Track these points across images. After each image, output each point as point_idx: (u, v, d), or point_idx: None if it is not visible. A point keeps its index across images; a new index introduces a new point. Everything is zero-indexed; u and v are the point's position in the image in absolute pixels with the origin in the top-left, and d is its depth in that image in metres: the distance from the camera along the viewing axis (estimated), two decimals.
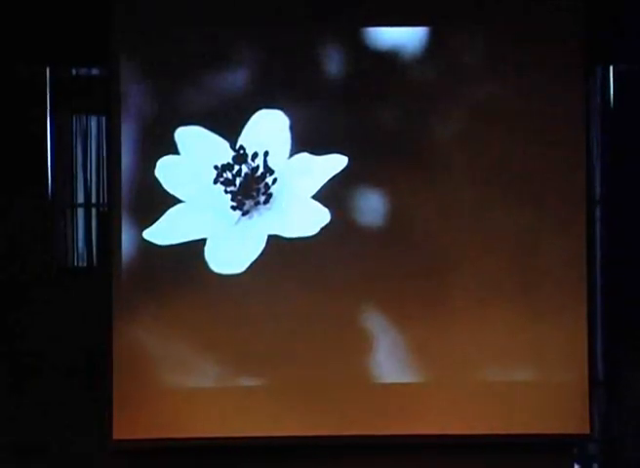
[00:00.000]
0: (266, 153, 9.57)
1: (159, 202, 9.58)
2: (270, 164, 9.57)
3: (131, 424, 9.61)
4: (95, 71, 10.21)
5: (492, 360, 9.72)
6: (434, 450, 9.68)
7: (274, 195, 9.60)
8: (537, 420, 9.67)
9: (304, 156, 9.62)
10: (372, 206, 9.69)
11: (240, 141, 9.58)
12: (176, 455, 9.68)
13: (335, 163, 9.59)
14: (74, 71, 10.23)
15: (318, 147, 9.61)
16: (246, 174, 9.56)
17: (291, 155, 9.63)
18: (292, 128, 9.62)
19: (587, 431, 9.81)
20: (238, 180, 9.55)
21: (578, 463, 10.54)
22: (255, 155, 9.57)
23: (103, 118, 10.04)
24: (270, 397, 9.68)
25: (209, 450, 9.67)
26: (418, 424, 9.65)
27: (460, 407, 9.69)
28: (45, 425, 9.79)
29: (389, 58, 9.67)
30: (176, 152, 9.59)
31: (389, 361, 9.71)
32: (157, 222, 9.58)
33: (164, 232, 9.58)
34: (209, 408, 9.64)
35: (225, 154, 9.58)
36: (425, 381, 9.72)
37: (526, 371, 9.71)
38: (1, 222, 9.92)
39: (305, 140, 9.62)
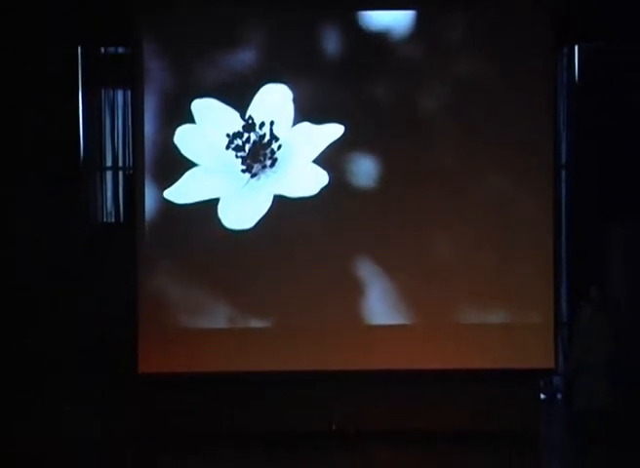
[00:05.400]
0: (272, 122, 9.38)
1: (178, 166, 9.42)
2: (276, 132, 9.39)
3: (154, 360, 9.50)
4: (121, 50, 10.16)
5: (469, 304, 9.59)
6: (418, 383, 9.59)
7: (279, 160, 9.40)
8: (508, 357, 9.54)
9: (306, 125, 9.44)
10: (365, 169, 9.55)
11: (249, 112, 9.39)
12: (192, 387, 9.56)
13: (333, 131, 9.43)
14: (103, 50, 10.21)
15: (318, 117, 9.44)
16: (254, 140, 9.38)
17: (294, 124, 9.44)
18: (295, 100, 9.44)
19: (552, 366, 9.74)
20: (247, 146, 9.37)
21: (544, 394, 10.55)
22: (262, 124, 9.38)
23: (129, 92, 9.96)
24: (274, 336, 9.57)
25: (221, 383, 9.58)
26: (404, 360, 9.51)
27: (440, 345, 9.56)
28: (80, 361, 9.61)
29: (381, 38, 9.47)
30: (192, 121, 9.42)
31: (380, 305, 9.59)
32: (176, 184, 9.41)
33: (182, 192, 9.44)
34: (221, 346, 9.52)
35: (236, 123, 9.39)
36: (411, 323, 9.57)
37: (499, 314, 9.58)
38: (39, 184, 9.67)
39: (307, 111, 9.44)
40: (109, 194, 10.42)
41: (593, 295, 9.73)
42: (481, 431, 9.36)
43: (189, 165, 9.41)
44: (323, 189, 9.39)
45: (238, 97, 9.40)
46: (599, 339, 9.62)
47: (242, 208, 9.43)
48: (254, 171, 9.36)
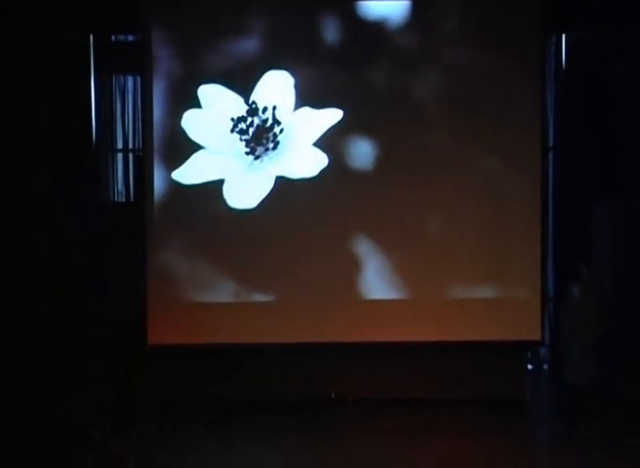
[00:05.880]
0: (275, 107, 9.39)
1: (185, 148, 9.43)
2: (278, 116, 9.41)
3: (162, 332, 9.54)
4: (131, 38, 10.17)
5: (460, 280, 9.63)
6: (412, 354, 9.65)
7: (281, 143, 9.42)
8: (497, 329, 9.61)
9: (306, 110, 9.46)
10: (363, 152, 9.56)
11: (252, 97, 9.41)
12: (199, 357, 9.61)
13: (332, 116, 9.45)
14: (113, 38, 10.23)
15: (318, 102, 9.46)
16: (257, 124, 9.40)
17: (295, 109, 9.45)
18: (296, 86, 9.45)
19: (539, 338, 9.81)
20: (251, 130, 9.40)
21: (530, 364, 10.61)
22: (265, 109, 9.40)
23: (138, 78, 9.97)
24: (276, 310, 9.60)
25: (226, 354, 9.63)
26: (399, 333, 9.57)
27: (433, 318, 9.62)
28: (92, 332, 9.73)
29: (378, 27, 9.48)
30: (198, 106, 9.43)
31: (376, 281, 9.64)
32: (183, 165, 9.44)
33: (189, 173, 9.47)
34: (226, 319, 9.56)
35: (240, 108, 9.41)
36: (406, 298, 9.62)
37: (488, 289, 9.63)
38: (54, 166, 9.72)
39: (307, 97, 9.46)
40: (120, 175, 10.39)
41: (583, 275, 9.81)
42: (472, 398, 9.47)
43: (196, 147, 9.42)
44: (323, 171, 9.43)
45: (242, 82, 9.39)
46: (588, 319, 9.72)
47: (246, 188, 9.45)
48: (257, 153, 9.39)
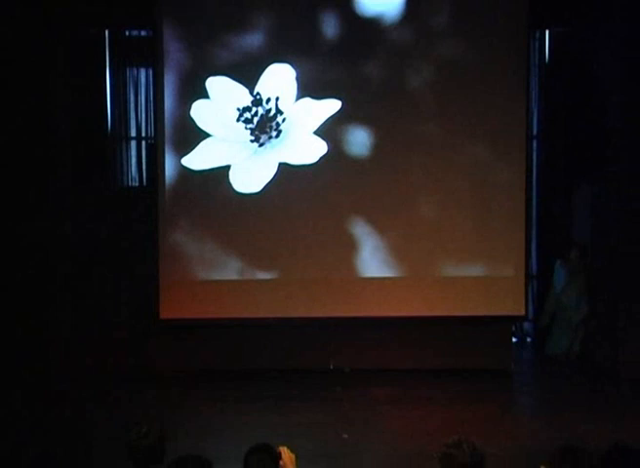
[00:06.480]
0: (277, 98, 9.50)
1: (194, 136, 9.52)
2: (280, 106, 9.51)
3: (173, 307, 9.68)
4: (143, 33, 10.21)
5: (450, 259, 9.75)
6: (405, 328, 9.82)
7: (283, 131, 9.52)
8: (484, 305, 9.76)
9: (307, 100, 9.56)
10: (360, 140, 9.67)
11: (257, 89, 9.50)
12: (207, 330, 9.80)
13: (331, 106, 9.55)
14: (127, 34, 10.24)
15: (318, 93, 9.55)
16: (261, 114, 9.50)
17: (297, 99, 9.55)
18: (297, 78, 9.54)
19: (523, 313, 9.96)
20: (255, 119, 9.50)
21: (515, 337, 10.77)
22: (268, 99, 9.50)
23: (150, 70, 10.00)
24: (279, 287, 9.72)
25: (231, 327, 9.79)
26: (393, 308, 9.71)
27: (425, 295, 9.75)
28: (105, 308, 9.98)
29: (374, 23, 9.58)
30: (206, 97, 9.52)
31: (372, 259, 9.76)
32: (192, 152, 9.53)
33: (197, 160, 9.55)
34: (232, 295, 9.68)
35: (245, 98, 9.50)
36: (399, 276, 9.74)
37: (476, 268, 9.76)
38: (72, 153, 9.89)
39: (308, 88, 9.55)
40: (133, 161, 10.37)
41: (572, 257, 10.07)
42: (461, 369, 9.67)
43: (204, 135, 9.54)
44: (322, 157, 9.57)
45: (247, 75, 9.50)
46: (573, 299, 10.07)
47: (250, 174, 9.59)
48: (261, 141, 9.53)
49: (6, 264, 9.08)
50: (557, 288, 10.30)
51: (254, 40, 9.58)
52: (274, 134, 9.57)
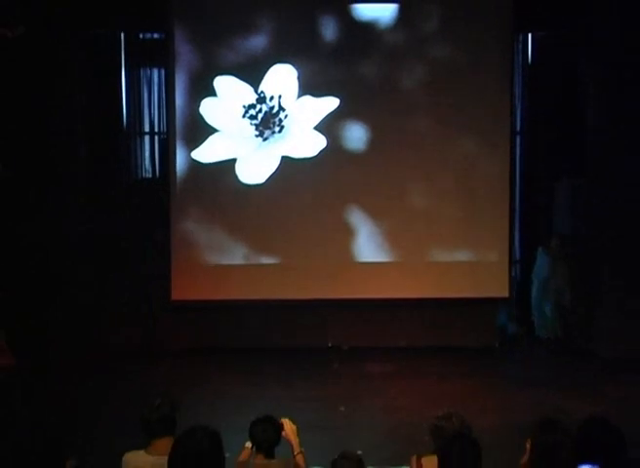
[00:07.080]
0: (280, 96, 9.70)
1: (203, 131, 9.71)
2: (283, 104, 9.72)
3: (184, 289, 9.92)
4: (156, 36, 10.35)
5: (439, 245, 9.99)
6: (400, 308, 10.02)
7: (286, 127, 9.72)
8: (471, 288, 10.01)
9: (308, 98, 9.75)
10: (356, 135, 9.87)
11: (261, 87, 9.70)
12: (216, 311, 10.02)
13: (330, 103, 9.75)
14: (141, 36, 10.39)
15: (318, 92, 9.74)
16: (265, 111, 9.70)
17: (298, 97, 9.74)
18: (299, 77, 9.73)
19: (507, 295, 10.21)
20: (260, 116, 9.69)
21: (500, 317, 10.55)
22: (272, 97, 9.70)
23: (162, 70, 10.15)
24: (281, 271, 9.93)
25: (238, 308, 9.99)
26: (387, 290, 9.94)
27: (416, 278, 10.00)
28: (119, 290, 10.14)
29: (370, 26, 9.78)
30: (214, 95, 9.70)
31: (367, 246, 9.99)
32: (201, 146, 9.73)
33: (206, 153, 9.75)
34: (238, 278, 9.92)
35: (250, 96, 9.70)
36: (393, 260, 9.99)
37: (463, 253, 10.00)
38: (89, 146, 10.11)
39: (309, 87, 9.74)
40: (147, 154, 10.51)
41: (553, 245, 10.15)
42: (449, 347, 9.88)
43: (212, 131, 9.75)
44: (322, 151, 9.80)
45: (252, 74, 9.71)
46: (554, 285, 10.16)
47: (255, 166, 9.81)
48: (265, 136, 9.75)
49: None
50: (538, 272, 10.41)
51: (258, 42, 9.76)
52: (277, 129, 9.75)
